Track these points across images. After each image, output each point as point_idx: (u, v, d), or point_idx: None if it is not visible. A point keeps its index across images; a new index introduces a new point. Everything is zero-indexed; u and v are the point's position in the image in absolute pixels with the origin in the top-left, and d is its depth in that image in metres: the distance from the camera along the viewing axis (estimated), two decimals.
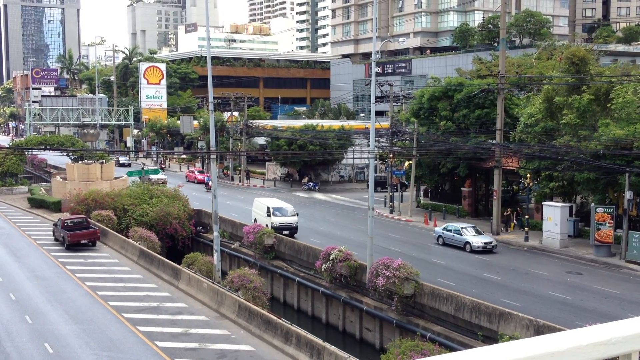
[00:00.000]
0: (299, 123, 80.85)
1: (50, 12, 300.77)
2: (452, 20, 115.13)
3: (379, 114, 61.80)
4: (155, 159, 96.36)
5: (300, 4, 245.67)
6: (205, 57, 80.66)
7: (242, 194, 65.25)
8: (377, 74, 45.81)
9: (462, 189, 52.40)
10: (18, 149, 62.72)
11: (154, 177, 63.70)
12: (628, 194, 35.37)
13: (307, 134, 68.61)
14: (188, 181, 73.79)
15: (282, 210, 43.87)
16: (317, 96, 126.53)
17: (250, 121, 78.31)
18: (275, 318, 24.85)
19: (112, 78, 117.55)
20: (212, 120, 35.52)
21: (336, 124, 79.39)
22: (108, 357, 22.44)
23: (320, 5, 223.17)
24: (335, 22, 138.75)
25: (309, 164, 71.38)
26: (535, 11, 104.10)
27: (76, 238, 38.71)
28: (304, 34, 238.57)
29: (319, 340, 22.91)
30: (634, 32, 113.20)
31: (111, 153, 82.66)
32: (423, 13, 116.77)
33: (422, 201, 57.11)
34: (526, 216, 43.65)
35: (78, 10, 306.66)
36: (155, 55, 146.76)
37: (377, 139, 49.90)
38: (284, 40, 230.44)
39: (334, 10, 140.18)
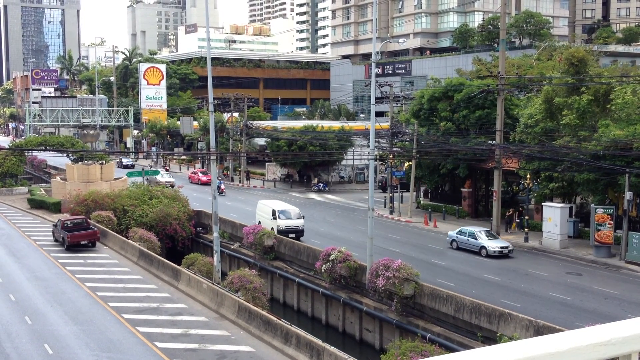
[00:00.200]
0: (299, 124, 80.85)
1: (50, 13, 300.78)
2: (452, 21, 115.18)
3: (379, 114, 61.94)
4: (155, 159, 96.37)
5: (300, 5, 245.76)
6: (205, 57, 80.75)
7: (242, 194, 65.25)
8: (377, 75, 45.81)
9: (462, 189, 52.39)
10: (18, 150, 62.73)
11: (161, 180, 63.33)
12: (628, 195, 35.37)
13: (307, 134, 68.62)
14: (191, 182, 73.22)
15: (288, 213, 42.96)
16: (317, 97, 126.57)
17: (250, 122, 78.31)
18: (275, 319, 24.85)
19: (112, 79, 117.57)
20: (212, 121, 35.52)
21: (336, 124, 79.43)
22: (108, 357, 22.43)
23: (320, 6, 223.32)
24: (335, 22, 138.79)
25: (309, 164, 71.40)
26: (535, 12, 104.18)
27: (76, 239, 38.70)
28: (304, 35, 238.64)
29: (319, 341, 22.91)
30: (634, 32, 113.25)
31: (111, 154, 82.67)
32: (423, 14, 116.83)
33: (422, 202, 57.11)
34: (526, 217, 43.66)
35: (78, 11, 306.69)
36: (155, 56, 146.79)
37: (377, 139, 49.90)
38: (284, 41, 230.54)
39: (334, 11, 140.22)
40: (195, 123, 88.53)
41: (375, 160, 48.18)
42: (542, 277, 33.13)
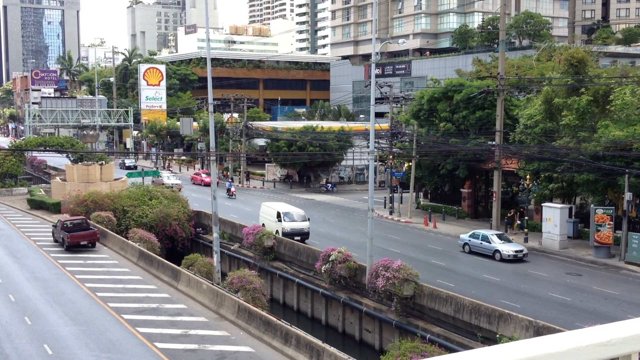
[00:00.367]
0: (298, 124, 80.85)
1: (50, 14, 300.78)
2: (452, 22, 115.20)
3: (379, 115, 61.88)
4: (155, 160, 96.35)
5: (300, 6, 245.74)
6: (205, 58, 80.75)
7: (242, 195, 65.22)
8: (377, 75, 45.82)
9: (461, 190, 52.40)
10: (17, 150, 62.72)
11: (167, 182, 63.19)
12: (627, 195, 35.39)
13: (306, 135, 68.62)
14: (194, 184, 73.11)
15: (293, 215, 42.15)
16: (317, 97, 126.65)
17: (250, 122, 78.31)
18: (274, 319, 24.85)
19: (112, 79, 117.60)
20: (211, 121, 35.53)
21: (336, 125, 79.47)
22: (107, 358, 22.42)
23: (320, 6, 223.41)
24: (334, 23, 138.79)
25: (309, 165, 71.41)
26: (534, 12, 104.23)
27: (76, 239, 38.69)
28: (303, 36, 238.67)
29: (319, 342, 22.92)
30: (634, 33, 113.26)
31: (110, 154, 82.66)
32: (423, 14, 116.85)
33: (421, 202, 57.12)
34: (526, 217, 43.66)
35: (78, 11, 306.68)
36: (154, 57, 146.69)
37: (376, 140, 49.91)
38: (283, 42, 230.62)
39: (333, 12, 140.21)
40: (195, 124, 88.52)
41: (375, 161, 48.17)
42: (542, 277, 33.14)
